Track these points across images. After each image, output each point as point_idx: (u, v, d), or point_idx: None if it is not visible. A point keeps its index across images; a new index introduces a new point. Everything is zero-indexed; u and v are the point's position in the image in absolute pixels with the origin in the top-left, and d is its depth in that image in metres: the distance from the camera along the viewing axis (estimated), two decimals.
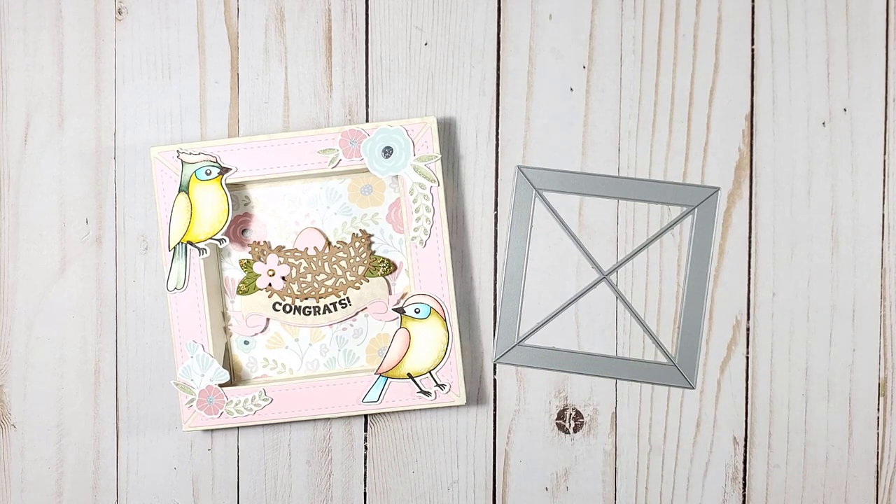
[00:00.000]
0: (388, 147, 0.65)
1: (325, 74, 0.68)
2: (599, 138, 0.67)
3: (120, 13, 0.68)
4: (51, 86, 0.68)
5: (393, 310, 0.66)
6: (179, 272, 0.65)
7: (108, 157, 0.69)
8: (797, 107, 0.67)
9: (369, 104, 0.68)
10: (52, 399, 0.69)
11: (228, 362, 0.68)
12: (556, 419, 0.68)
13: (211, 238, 0.65)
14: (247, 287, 0.67)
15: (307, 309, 0.67)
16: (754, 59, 0.67)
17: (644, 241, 0.67)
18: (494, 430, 0.68)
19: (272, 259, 0.67)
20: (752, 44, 0.67)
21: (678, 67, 0.67)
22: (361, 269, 0.67)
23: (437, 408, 0.67)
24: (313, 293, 0.67)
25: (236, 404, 0.66)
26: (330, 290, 0.67)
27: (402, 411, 0.68)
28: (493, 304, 0.68)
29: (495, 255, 0.68)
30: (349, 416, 0.68)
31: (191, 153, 0.65)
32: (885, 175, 0.67)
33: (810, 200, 0.67)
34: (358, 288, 0.67)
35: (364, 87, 0.68)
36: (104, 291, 0.69)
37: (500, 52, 0.68)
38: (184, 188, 0.65)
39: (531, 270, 0.68)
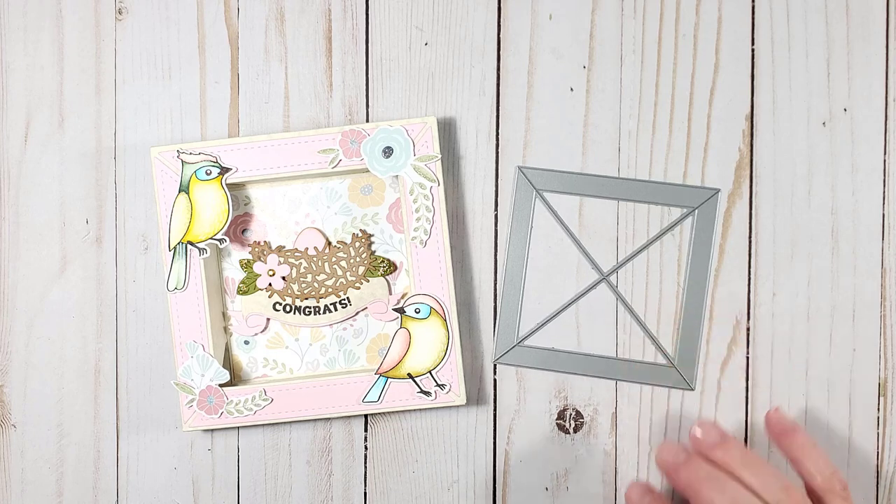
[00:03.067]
0: (389, 147, 0.65)
1: (325, 74, 0.68)
2: (599, 138, 0.67)
3: (120, 13, 0.68)
4: (51, 86, 0.68)
5: (393, 310, 0.66)
6: (179, 272, 0.65)
7: (108, 157, 0.69)
8: (797, 107, 0.67)
9: (369, 104, 0.68)
10: (52, 399, 0.69)
11: (228, 362, 0.68)
12: (557, 419, 0.68)
13: (211, 238, 0.65)
14: (247, 287, 0.67)
15: (307, 309, 0.67)
16: (754, 59, 0.67)
17: (644, 242, 0.67)
18: (494, 430, 0.68)
19: (272, 259, 0.67)
20: (752, 44, 0.67)
21: (678, 67, 0.67)
22: (361, 269, 0.67)
23: (437, 408, 0.67)
24: (313, 293, 0.67)
25: (236, 404, 0.66)
26: (330, 290, 0.67)
27: (402, 411, 0.68)
28: (493, 304, 0.68)
29: (495, 255, 0.68)
30: (349, 416, 0.68)
31: (191, 153, 0.65)
32: (885, 175, 0.67)
33: (810, 200, 0.67)
34: (358, 288, 0.67)
35: (364, 87, 0.68)
36: (104, 291, 0.69)
37: (500, 52, 0.68)
38: (184, 188, 0.65)
39: (531, 270, 0.68)
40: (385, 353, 0.66)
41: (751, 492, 0.58)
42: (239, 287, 0.67)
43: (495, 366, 0.68)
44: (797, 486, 0.59)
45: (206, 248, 0.65)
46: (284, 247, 0.67)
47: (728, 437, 0.62)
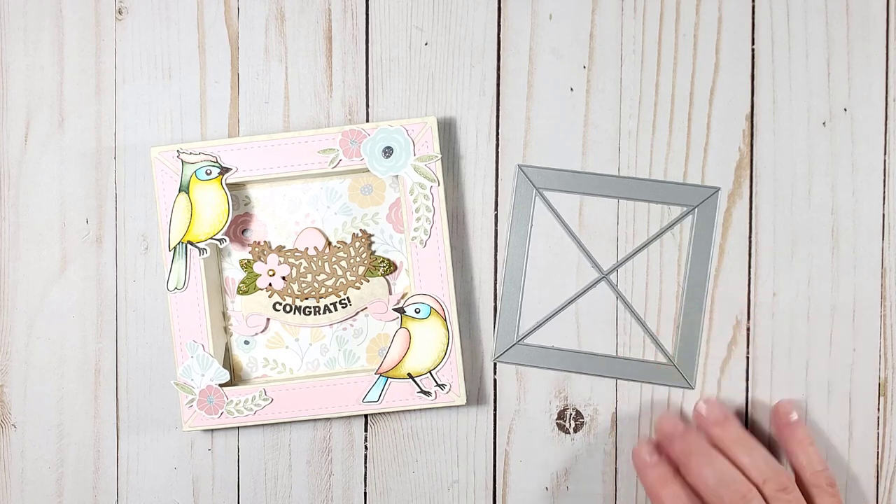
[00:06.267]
0: (389, 147, 0.65)
1: (325, 74, 0.68)
2: (599, 138, 0.67)
3: (120, 13, 0.69)
4: (51, 86, 0.68)
5: (393, 310, 0.66)
6: (179, 272, 0.65)
7: (108, 157, 0.69)
8: (797, 107, 0.67)
9: (369, 104, 0.68)
10: (52, 399, 0.69)
11: (228, 362, 0.68)
12: (557, 419, 0.68)
13: (211, 238, 0.65)
14: (247, 287, 0.67)
15: (307, 309, 0.67)
16: (754, 59, 0.67)
17: (644, 241, 0.67)
18: (494, 430, 0.68)
19: (272, 259, 0.67)
20: (753, 44, 0.67)
21: (678, 67, 0.67)
22: (361, 269, 0.67)
23: (437, 408, 0.67)
24: (313, 293, 0.67)
25: (236, 404, 0.66)
26: (330, 290, 0.67)
27: (403, 411, 0.68)
28: (493, 303, 0.68)
29: (495, 254, 0.68)
30: (349, 416, 0.68)
31: (191, 153, 0.65)
32: (885, 175, 0.67)
33: (810, 200, 0.67)
34: (358, 288, 0.67)
35: (364, 87, 0.68)
36: (104, 291, 0.69)
37: (500, 52, 0.68)
38: (184, 188, 0.65)
39: (531, 270, 0.68)
40: (385, 353, 0.66)
41: (739, 469, 0.60)
42: (239, 287, 0.67)
43: (495, 365, 0.68)
44: (786, 471, 0.61)
45: (206, 248, 0.65)
46: (284, 247, 0.67)
47: (729, 417, 0.64)
